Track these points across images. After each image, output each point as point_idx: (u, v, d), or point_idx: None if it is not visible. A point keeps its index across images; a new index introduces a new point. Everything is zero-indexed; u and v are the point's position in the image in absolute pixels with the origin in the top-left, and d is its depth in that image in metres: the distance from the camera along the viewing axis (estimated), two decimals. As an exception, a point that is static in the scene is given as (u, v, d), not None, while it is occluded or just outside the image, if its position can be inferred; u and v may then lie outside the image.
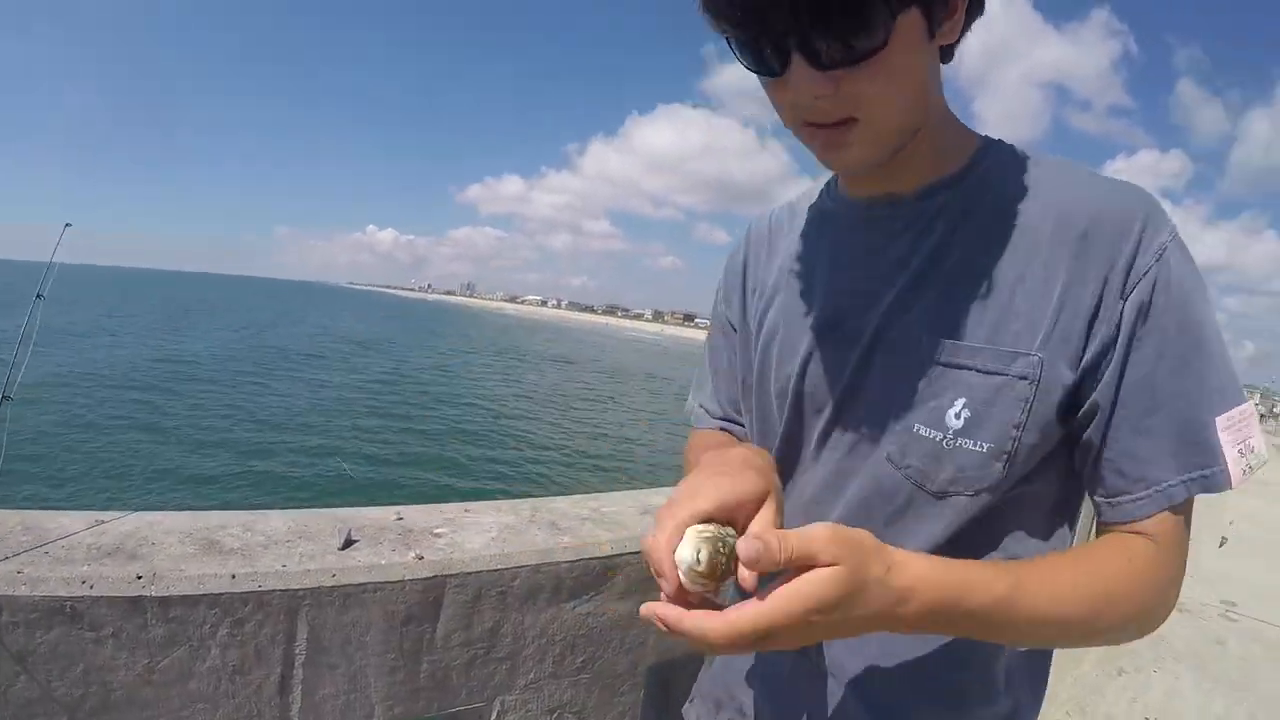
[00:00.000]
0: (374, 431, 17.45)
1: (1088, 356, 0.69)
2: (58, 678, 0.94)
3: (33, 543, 0.97)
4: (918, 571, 0.60)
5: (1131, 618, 0.69)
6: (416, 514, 1.21)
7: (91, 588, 0.91)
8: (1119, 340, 0.68)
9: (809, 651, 0.83)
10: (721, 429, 0.99)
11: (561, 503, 1.45)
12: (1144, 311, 0.68)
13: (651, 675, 1.52)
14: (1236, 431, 0.70)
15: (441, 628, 1.08)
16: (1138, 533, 0.72)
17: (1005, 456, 0.71)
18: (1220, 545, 3.07)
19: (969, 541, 0.76)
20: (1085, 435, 0.71)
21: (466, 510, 1.29)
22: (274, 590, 0.94)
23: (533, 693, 1.23)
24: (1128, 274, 0.67)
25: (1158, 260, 0.67)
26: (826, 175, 0.88)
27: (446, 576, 1.06)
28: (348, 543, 1.02)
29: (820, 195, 0.89)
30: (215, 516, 1.11)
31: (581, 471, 15.68)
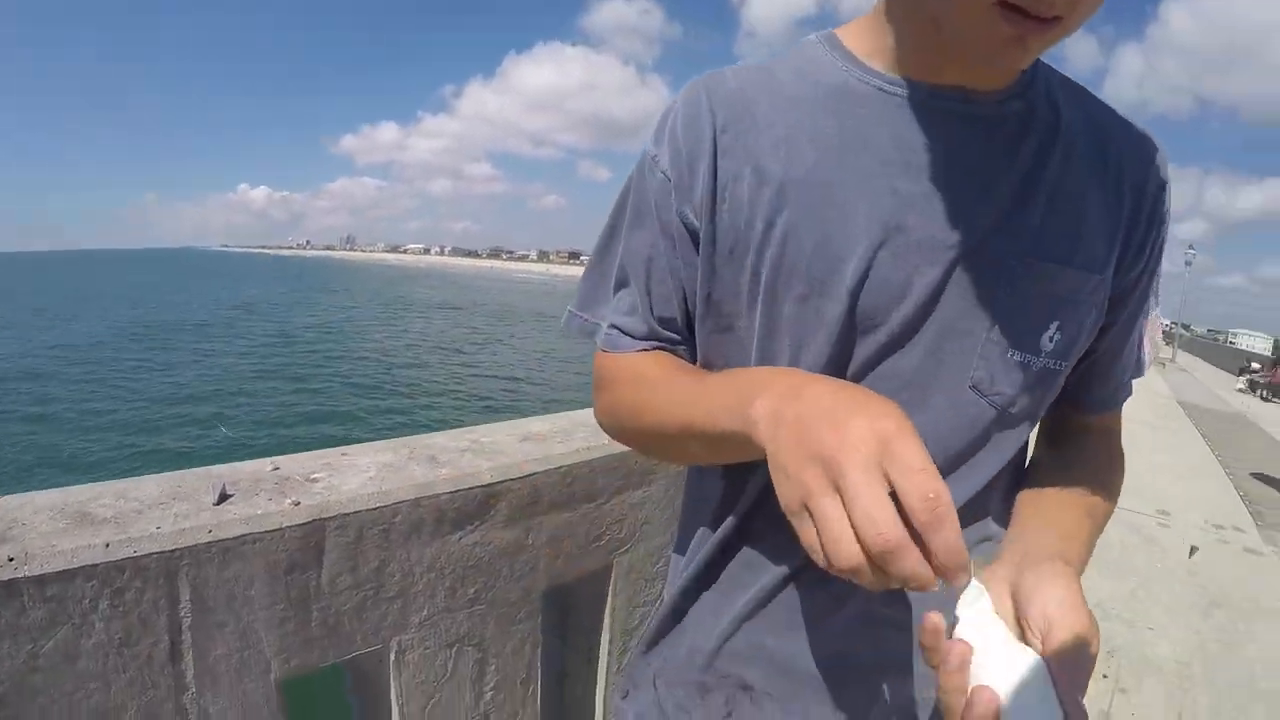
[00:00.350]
0: (266, 395, 17.38)
1: (1125, 280, 0.78)
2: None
3: (-106, 539, 0.95)
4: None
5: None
6: (293, 463, 1.21)
7: (-41, 576, 0.88)
8: (1145, 269, 0.80)
9: (837, 638, 0.78)
10: (657, 349, 0.83)
11: (439, 437, 1.46)
12: (1160, 246, 0.80)
13: (548, 601, 1.57)
14: (1153, 327, 0.87)
15: (326, 572, 1.10)
16: (1107, 425, 0.90)
17: (1067, 373, 0.78)
18: (1190, 555, 3.36)
19: (1017, 460, 0.82)
20: (1096, 344, 0.81)
21: (344, 454, 1.30)
22: (150, 554, 0.94)
23: (429, 629, 1.26)
24: (1159, 212, 0.78)
25: (1169, 203, 0.79)
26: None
27: (325, 520, 1.08)
28: (222, 497, 1.02)
29: (826, 63, 0.76)
30: (87, 489, 1.08)
31: (473, 413, 15.95)
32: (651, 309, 0.81)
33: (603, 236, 0.86)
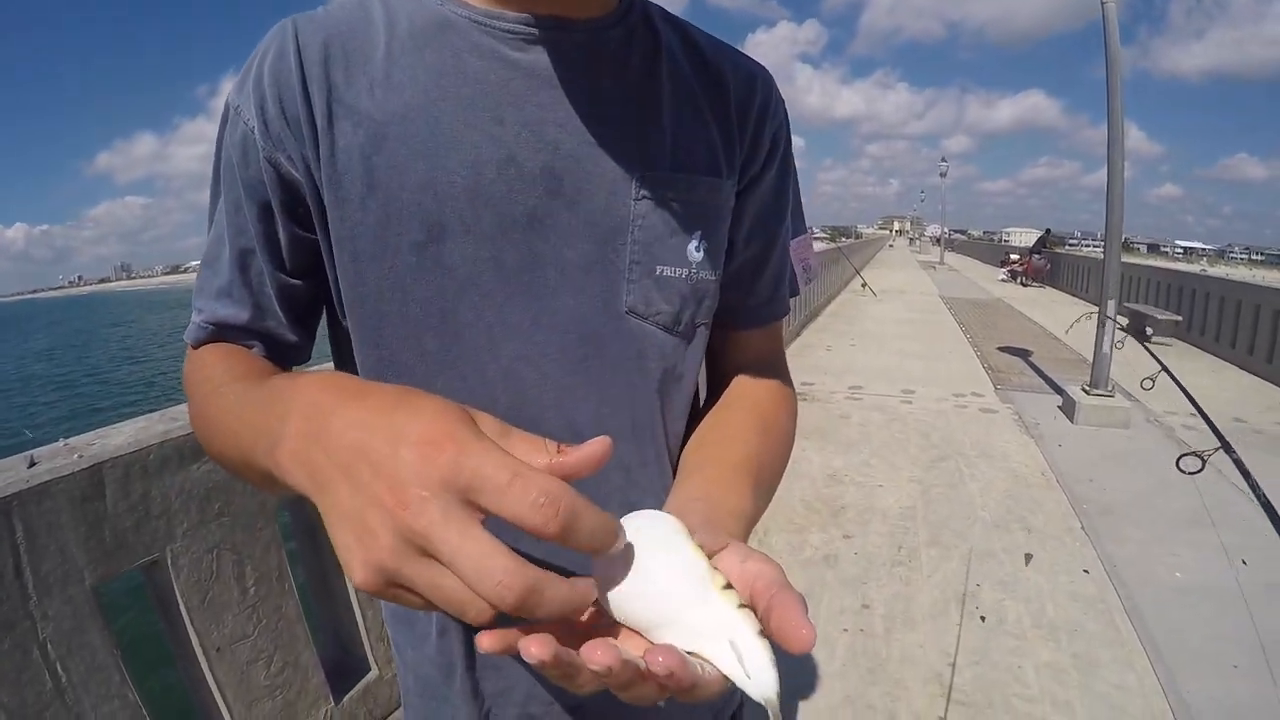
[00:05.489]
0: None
1: (752, 187, 0.83)
2: None
3: None
4: None
5: None
6: (80, 439, 1.78)
7: None
8: (770, 175, 0.85)
9: None
10: (228, 343, 0.78)
11: (183, 406, 1.98)
12: (784, 154, 0.86)
13: (292, 514, 2.30)
14: (804, 250, 0.94)
15: (109, 501, 1.71)
16: (765, 346, 0.94)
17: (719, 279, 0.81)
18: (1028, 563, 4.26)
19: (700, 366, 0.86)
20: (737, 255, 0.86)
21: (114, 426, 1.88)
22: None
23: (191, 538, 1.89)
24: (769, 117, 0.83)
25: (786, 119, 0.86)
26: None
27: (101, 463, 1.68)
28: (31, 463, 1.61)
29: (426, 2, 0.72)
30: None
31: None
32: (249, 287, 0.75)
33: (209, 218, 0.77)
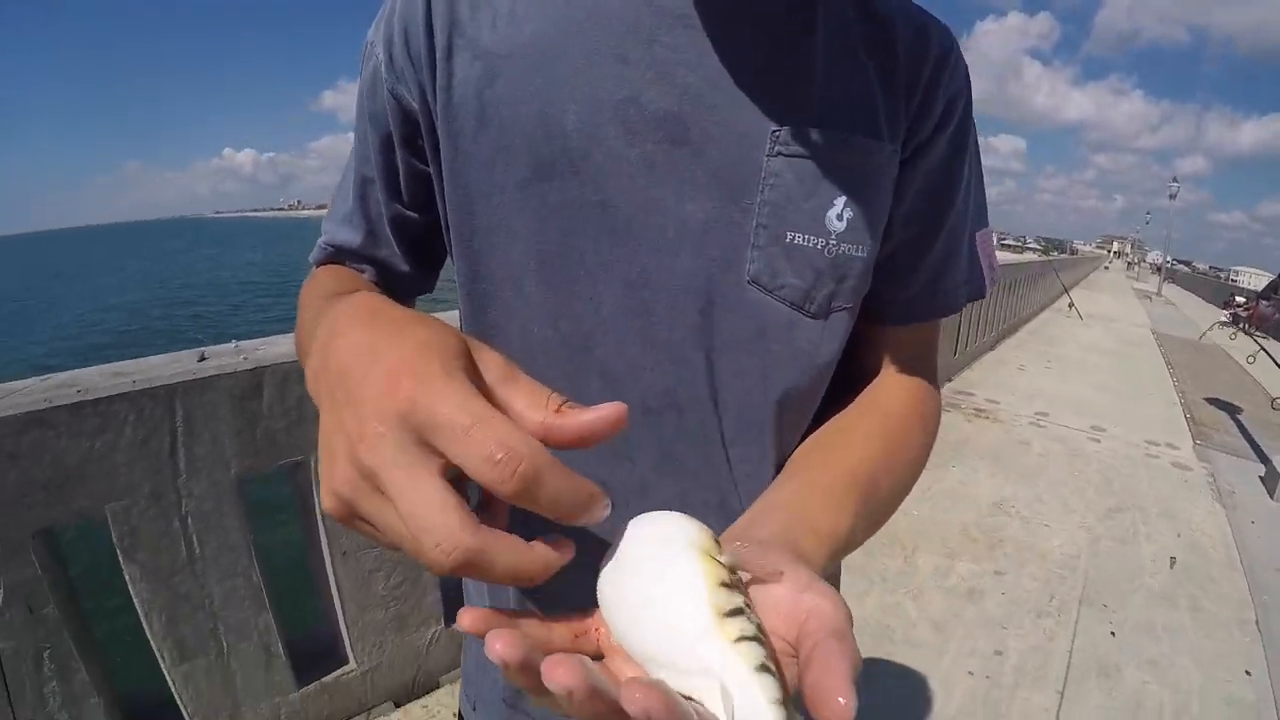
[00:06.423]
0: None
1: (920, 159, 0.72)
2: (34, 465, 1.56)
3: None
4: None
5: None
6: (249, 344, 1.91)
7: (50, 401, 1.57)
8: (943, 148, 0.73)
9: None
10: (348, 266, 0.81)
11: None
12: (962, 124, 0.73)
13: None
14: (985, 244, 0.82)
15: (265, 403, 1.81)
16: (909, 350, 0.81)
17: (871, 262, 0.71)
18: (1171, 566, 4.01)
19: (837, 360, 0.74)
20: (896, 236, 0.74)
21: (285, 335, 1.99)
22: (158, 386, 1.64)
23: None
24: (945, 81, 0.71)
25: (967, 85, 0.73)
26: None
27: (263, 368, 1.79)
28: (201, 358, 1.72)
29: None
30: (127, 363, 1.79)
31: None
32: (366, 215, 0.78)
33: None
